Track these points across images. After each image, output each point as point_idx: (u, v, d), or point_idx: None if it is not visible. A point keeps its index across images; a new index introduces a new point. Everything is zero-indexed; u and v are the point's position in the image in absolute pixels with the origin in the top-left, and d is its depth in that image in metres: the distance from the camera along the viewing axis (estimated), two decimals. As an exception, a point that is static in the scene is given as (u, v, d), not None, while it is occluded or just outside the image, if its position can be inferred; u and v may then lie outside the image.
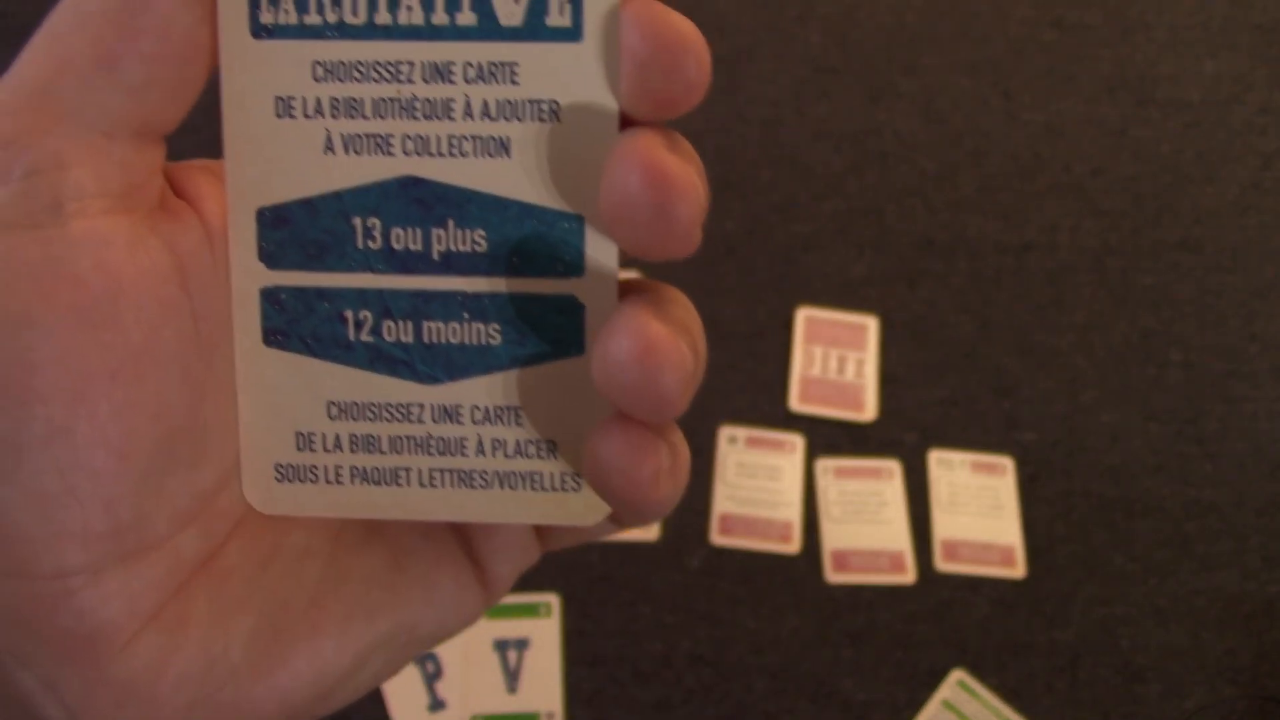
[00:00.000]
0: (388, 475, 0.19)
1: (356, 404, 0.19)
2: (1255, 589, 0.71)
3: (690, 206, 0.16)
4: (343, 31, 0.17)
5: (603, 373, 0.17)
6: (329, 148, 0.18)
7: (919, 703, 0.67)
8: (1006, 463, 0.74)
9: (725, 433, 0.73)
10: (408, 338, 0.18)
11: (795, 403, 0.74)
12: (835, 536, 0.71)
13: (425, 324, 0.18)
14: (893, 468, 0.73)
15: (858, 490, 0.72)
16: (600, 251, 0.18)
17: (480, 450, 0.19)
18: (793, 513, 0.71)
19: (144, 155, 0.17)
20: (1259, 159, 0.86)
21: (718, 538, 0.70)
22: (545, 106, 0.17)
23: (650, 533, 0.70)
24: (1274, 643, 0.70)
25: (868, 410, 0.75)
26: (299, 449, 0.19)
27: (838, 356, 0.76)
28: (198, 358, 0.17)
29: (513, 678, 0.66)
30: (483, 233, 0.18)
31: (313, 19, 0.17)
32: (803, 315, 0.77)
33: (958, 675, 0.68)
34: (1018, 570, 0.71)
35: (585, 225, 0.18)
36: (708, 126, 0.83)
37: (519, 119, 0.18)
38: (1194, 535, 0.73)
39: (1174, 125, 0.86)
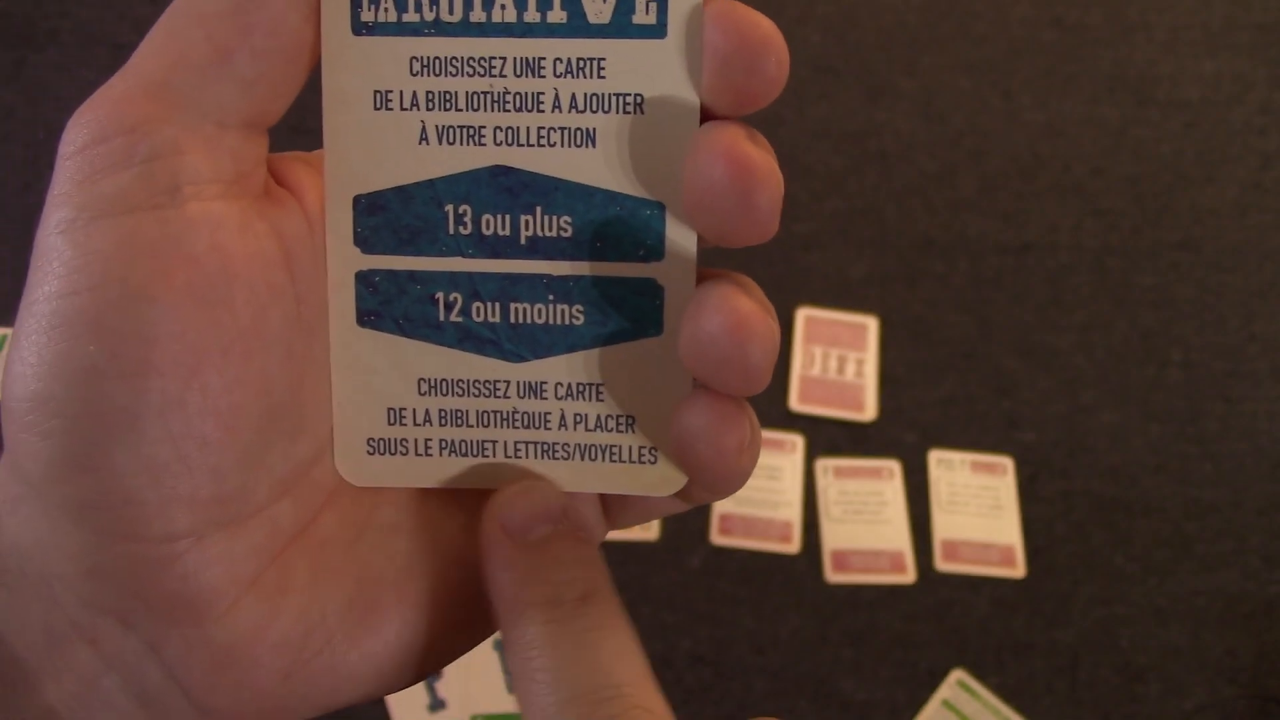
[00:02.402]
0: (474, 448, 0.20)
1: (446, 380, 0.20)
2: (1255, 589, 0.71)
3: (770, 195, 0.17)
4: (439, 28, 0.18)
5: (694, 348, 0.17)
6: (424, 138, 0.19)
7: (919, 703, 0.67)
8: (1006, 463, 0.74)
9: (725, 433, 0.73)
10: (495, 318, 0.19)
11: (795, 402, 0.74)
12: (835, 536, 0.71)
13: (512, 305, 0.19)
14: (893, 468, 0.73)
15: (858, 490, 0.72)
16: (680, 237, 0.19)
17: (563, 424, 0.20)
18: (793, 512, 0.71)
19: (252, 144, 0.18)
20: (1259, 159, 0.86)
21: (718, 537, 0.70)
22: (630, 99, 0.18)
23: (650, 532, 0.70)
24: (1274, 643, 0.70)
25: (868, 410, 0.75)
26: (390, 423, 0.20)
27: (838, 356, 0.76)
28: (299, 337, 0.18)
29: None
30: (568, 219, 0.19)
31: (411, 16, 0.18)
32: (803, 315, 0.77)
33: (958, 675, 0.68)
34: (1018, 570, 0.71)
35: (666, 212, 0.19)
36: (708, 126, 0.83)
37: (605, 111, 0.18)
38: (1194, 535, 0.73)
39: (1174, 125, 0.86)
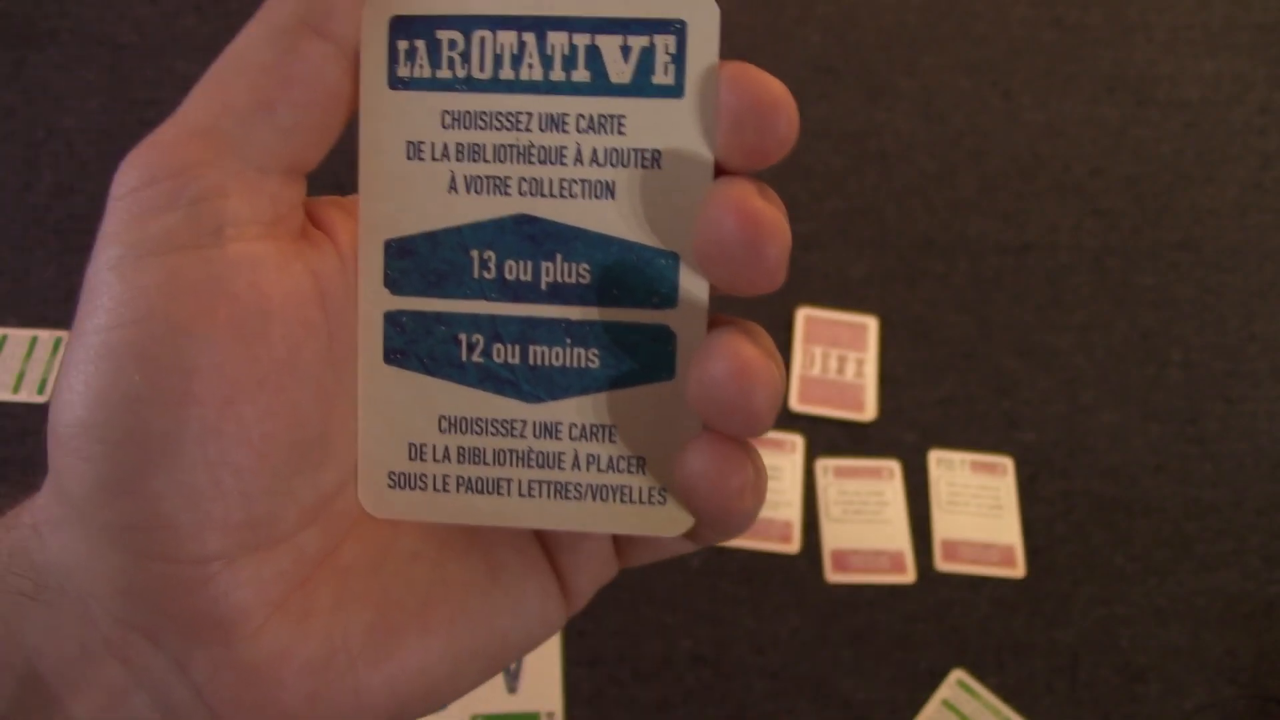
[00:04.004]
0: (490, 485, 0.21)
1: (465, 419, 0.20)
2: (1255, 589, 0.71)
3: (779, 247, 0.18)
4: (470, 85, 0.20)
5: (700, 391, 0.18)
6: (453, 187, 0.20)
7: (919, 703, 0.67)
8: (1006, 463, 0.74)
9: (725, 433, 0.73)
10: (515, 360, 0.20)
11: (795, 402, 0.74)
12: (835, 536, 0.71)
13: (531, 348, 0.20)
14: (893, 468, 0.73)
15: (858, 490, 0.72)
16: (693, 286, 0.20)
17: (576, 464, 0.20)
18: (793, 512, 0.71)
19: (290, 189, 0.19)
20: (1259, 159, 0.86)
21: (718, 538, 0.70)
22: (648, 155, 0.19)
23: (650, 533, 0.70)
24: (1274, 643, 0.70)
25: (868, 410, 0.75)
26: (411, 459, 0.21)
27: (838, 356, 0.76)
28: (329, 372, 0.19)
29: (513, 678, 0.66)
30: (587, 266, 0.20)
31: (444, 73, 0.20)
32: (803, 315, 0.77)
33: (958, 675, 0.68)
34: (1018, 570, 0.71)
35: (680, 262, 0.20)
36: (708, 126, 0.83)
37: (624, 165, 0.19)
38: (1194, 535, 0.73)
39: (1174, 125, 0.86)
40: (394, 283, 0.20)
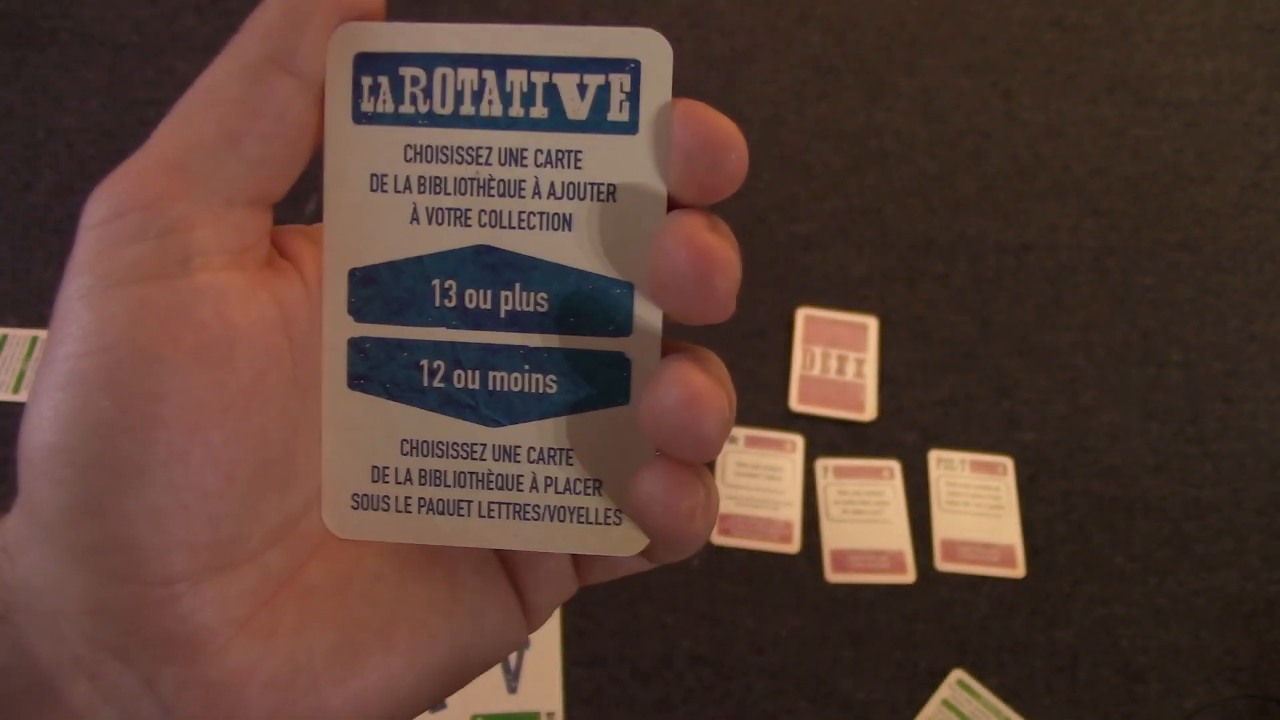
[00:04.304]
0: (451, 506, 0.21)
1: (427, 442, 0.21)
2: (1255, 589, 0.71)
3: (728, 279, 0.19)
4: (432, 120, 0.20)
5: (652, 417, 0.19)
6: (415, 218, 0.21)
7: (919, 703, 0.67)
8: (1006, 463, 0.74)
9: (725, 433, 0.73)
10: (475, 385, 0.21)
11: (795, 402, 0.74)
12: (835, 536, 0.71)
13: (491, 373, 0.21)
14: (893, 468, 0.73)
15: (858, 490, 0.72)
16: (647, 315, 0.21)
17: (534, 486, 0.21)
18: (793, 513, 0.71)
19: (257, 220, 0.19)
20: (1259, 159, 0.86)
21: (718, 537, 0.70)
22: (604, 188, 0.20)
23: (650, 533, 0.70)
24: (1274, 643, 0.70)
25: (868, 410, 0.75)
26: (374, 480, 0.21)
27: (838, 356, 0.76)
28: (293, 396, 0.20)
29: (513, 678, 0.66)
30: (545, 295, 0.21)
31: (407, 109, 0.20)
32: (803, 315, 0.77)
33: (958, 675, 0.68)
34: (1018, 570, 0.71)
35: (635, 292, 0.21)
36: (708, 126, 0.83)
37: (580, 198, 0.20)
38: (1194, 535, 0.73)
39: (1174, 125, 0.86)
40: (358, 310, 0.21)
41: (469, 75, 0.20)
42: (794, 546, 0.70)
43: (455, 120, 0.20)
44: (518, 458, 0.21)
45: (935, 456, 0.74)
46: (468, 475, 0.21)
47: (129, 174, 0.18)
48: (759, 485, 0.72)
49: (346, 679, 0.20)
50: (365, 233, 0.21)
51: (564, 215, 0.20)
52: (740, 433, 0.73)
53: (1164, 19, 0.90)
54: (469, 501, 0.21)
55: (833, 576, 0.70)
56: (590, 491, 0.21)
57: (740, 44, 0.87)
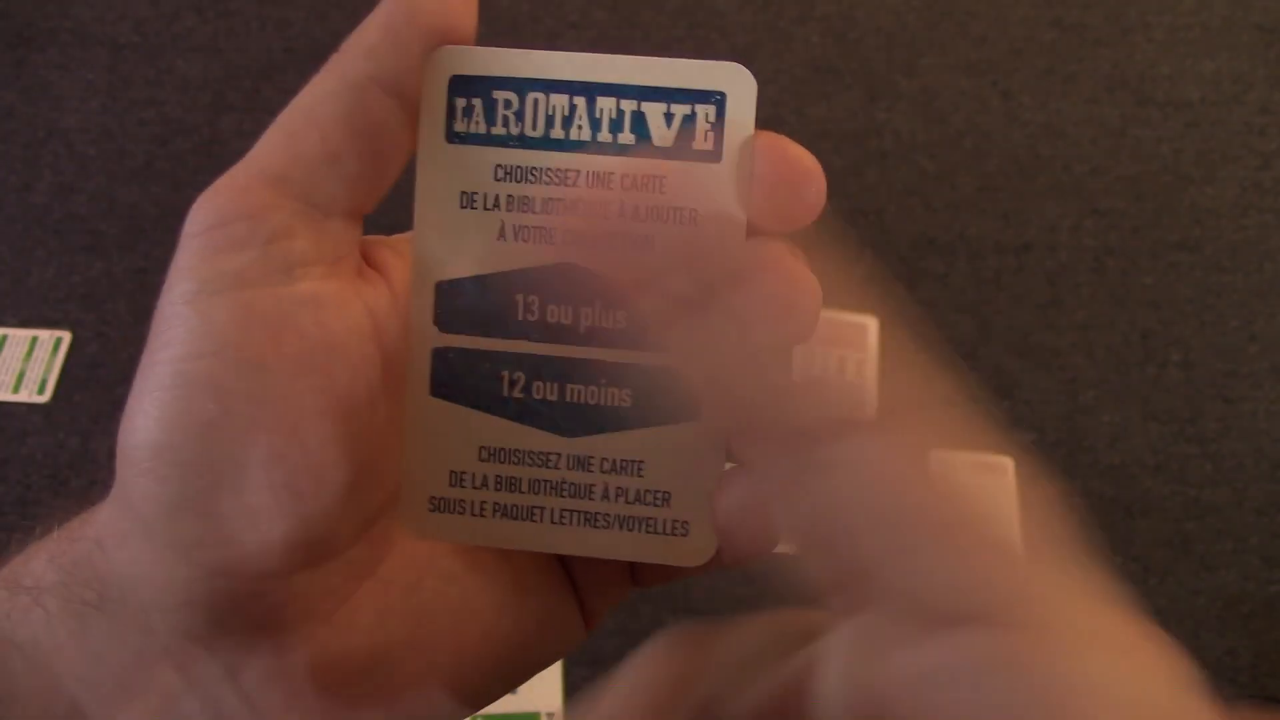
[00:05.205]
0: (525, 512, 0.22)
1: (504, 449, 0.22)
2: (1255, 589, 0.71)
3: (814, 299, 0.20)
4: (523, 142, 0.21)
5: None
6: (502, 235, 0.21)
7: (919, 703, 0.67)
8: (1006, 463, 0.74)
9: (725, 433, 0.73)
10: (553, 396, 0.22)
11: (795, 403, 0.74)
12: (835, 536, 0.71)
13: (568, 386, 0.22)
14: (893, 468, 0.73)
15: (858, 490, 0.72)
16: None
17: (605, 496, 0.22)
18: (793, 513, 0.71)
19: (350, 231, 0.20)
20: (1259, 159, 0.86)
21: (718, 538, 0.70)
22: (686, 213, 0.21)
23: (650, 533, 0.70)
24: (1274, 643, 0.70)
25: (868, 410, 0.75)
26: (451, 485, 0.22)
27: (838, 356, 0.76)
28: (381, 402, 0.21)
29: (513, 678, 0.66)
30: (627, 313, 0.21)
31: (498, 130, 0.21)
32: (803, 315, 0.77)
33: (958, 675, 0.68)
34: (1018, 570, 0.71)
35: None
36: (708, 126, 0.83)
37: (662, 221, 0.21)
38: (1194, 535, 0.73)
39: (1174, 125, 0.86)
40: (443, 321, 0.21)
41: (560, 100, 0.21)
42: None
43: (545, 143, 0.21)
44: (590, 468, 0.22)
45: (935, 456, 0.74)
46: (542, 483, 0.22)
47: (233, 185, 0.19)
48: (759, 485, 0.71)
49: (417, 669, 0.20)
50: (453, 247, 0.21)
51: (645, 236, 0.21)
52: (740, 433, 0.73)
53: (1164, 19, 0.90)
54: (542, 508, 0.22)
55: (833, 576, 0.70)
56: (659, 503, 0.22)
57: (740, 44, 0.87)
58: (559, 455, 0.22)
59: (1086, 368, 0.77)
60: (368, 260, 0.21)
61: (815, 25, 0.89)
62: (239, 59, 0.84)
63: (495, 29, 0.83)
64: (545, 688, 0.66)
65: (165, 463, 0.18)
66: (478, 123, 0.21)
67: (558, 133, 0.21)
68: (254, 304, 0.19)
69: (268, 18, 0.86)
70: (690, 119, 0.21)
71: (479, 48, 0.21)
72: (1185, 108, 0.87)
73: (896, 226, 0.81)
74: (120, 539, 0.19)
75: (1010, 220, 0.82)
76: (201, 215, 0.19)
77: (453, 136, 0.21)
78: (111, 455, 0.19)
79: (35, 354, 0.73)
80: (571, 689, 0.66)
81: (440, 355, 0.22)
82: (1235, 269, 0.81)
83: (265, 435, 0.18)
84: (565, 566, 0.23)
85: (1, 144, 0.82)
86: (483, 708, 0.22)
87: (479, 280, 0.21)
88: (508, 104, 0.21)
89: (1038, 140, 0.85)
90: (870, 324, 0.78)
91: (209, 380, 0.18)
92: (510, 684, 0.22)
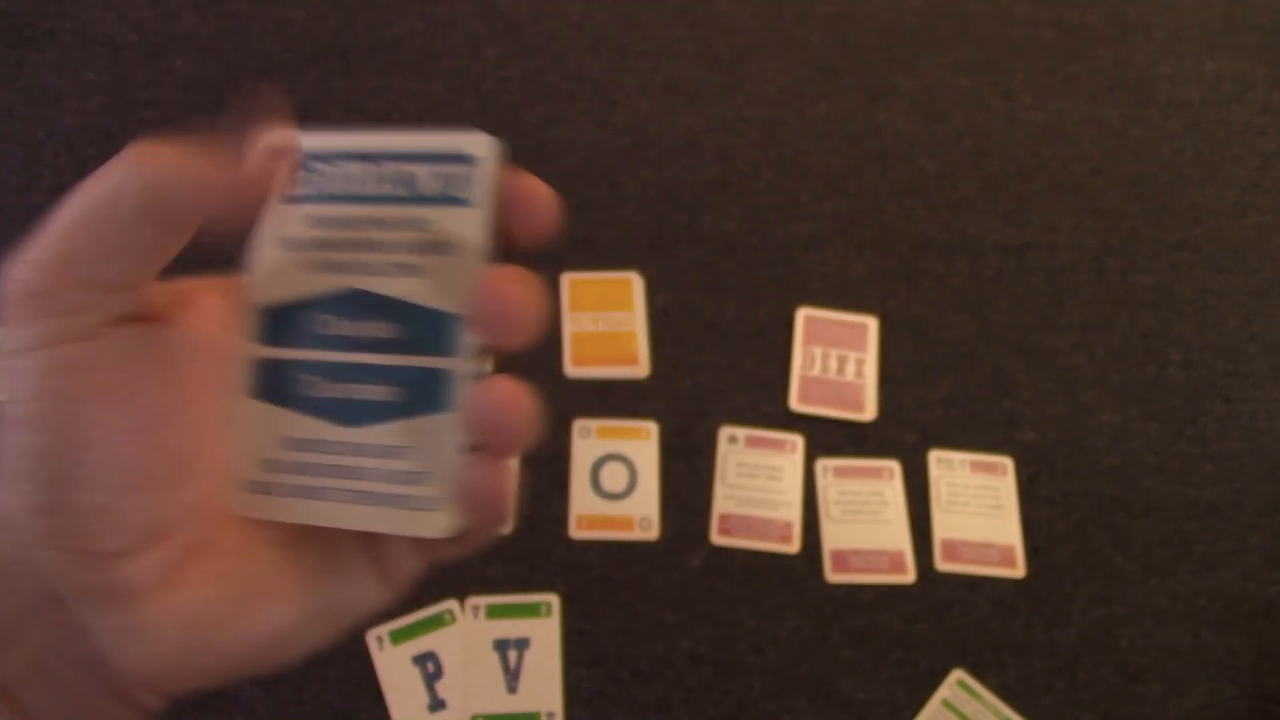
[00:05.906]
0: (314, 492, 0.27)
1: (301, 440, 0.27)
2: (1255, 589, 0.71)
3: (524, 318, 0.25)
4: (329, 199, 0.27)
5: (472, 418, 0.25)
6: (309, 269, 0.27)
7: (919, 703, 0.67)
8: (1006, 463, 0.74)
9: (725, 433, 0.73)
10: (340, 394, 0.27)
11: (795, 403, 0.74)
12: (835, 536, 0.71)
13: (351, 385, 0.27)
14: (893, 468, 0.73)
15: (858, 490, 0.72)
16: (471, 340, 0.26)
17: (376, 477, 0.26)
18: (793, 513, 0.71)
19: (145, 292, 0.25)
20: (1259, 159, 0.86)
21: (718, 537, 0.70)
22: (444, 245, 0.26)
23: (650, 532, 0.70)
24: (1274, 643, 0.70)
25: (868, 410, 0.75)
26: (263, 470, 0.27)
27: (838, 356, 0.76)
28: (192, 411, 0.25)
29: (513, 678, 0.66)
30: (397, 325, 0.26)
31: (312, 191, 0.27)
32: (803, 315, 0.77)
33: (958, 675, 0.68)
34: (1018, 570, 0.71)
35: (464, 323, 0.26)
36: (708, 126, 0.83)
37: (427, 253, 0.26)
38: (1194, 535, 0.73)
39: (1174, 125, 0.86)
40: (260, 337, 0.27)
41: (357, 167, 0.27)
42: (794, 546, 0.70)
43: (344, 198, 0.27)
44: (365, 453, 0.26)
45: (935, 456, 0.74)
46: (329, 467, 0.26)
47: (28, 262, 0.23)
48: (759, 485, 0.72)
49: (243, 622, 0.25)
50: (272, 279, 0.27)
51: (414, 265, 0.26)
52: (740, 433, 0.73)
53: (1164, 19, 0.90)
54: (328, 489, 0.26)
55: (833, 576, 0.70)
56: (417, 482, 0.26)
57: (740, 44, 0.87)
58: (342, 443, 0.26)
59: (1086, 368, 0.77)
60: (179, 296, 0.26)
61: (815, 25, 0.89)
62: (239, 59, 0.84)
63: (495, 29, 0.83)
64: (545, 688, 0.66)
65: (20, 481, 0.23)
66: (305, 187, 0.27)
67: (355, 189, 0.27)
68: (64, 356, 0.23)
69: (268, 18, 0.86)
70: (451, 174, 0.27)
71: (306, 132, 0.27)
72: (1185, 108, 0.87)
73: (896, 226, 0.81)
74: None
75: (1010, 220, 0.82)
76: (9, 285, 0.23)
77: (286, 199, 0.27)
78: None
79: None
80: (571, 689, 0.66)
81: (256, 364, 0.27)
82: (1235, 269, 0.81)
83: (91, 453, 0.23)
84: (366, 540, 0.28)
85: (1, 144, 0.82)
86: (304, 653, 0.26)
87: (289, 305, 0.27)
88: (321, 172, 0.27)
89: (1038, 140, 0.85)
90: (870, 324, 0.78)
91: (36, 420, 0.23)
92: (327, 632, 0.27)
